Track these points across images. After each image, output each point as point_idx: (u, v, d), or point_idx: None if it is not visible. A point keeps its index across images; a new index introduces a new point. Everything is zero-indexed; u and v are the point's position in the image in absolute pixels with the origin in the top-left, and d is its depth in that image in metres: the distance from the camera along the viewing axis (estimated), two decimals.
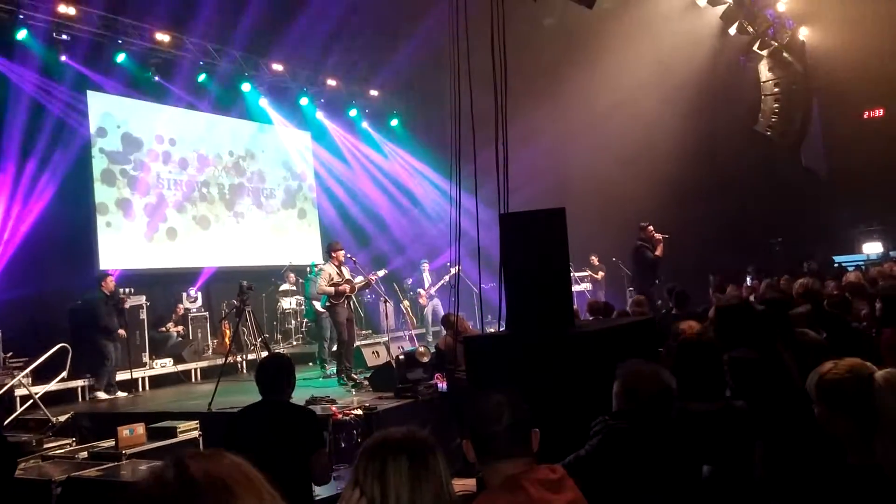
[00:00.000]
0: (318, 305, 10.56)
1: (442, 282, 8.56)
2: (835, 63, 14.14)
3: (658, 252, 10.20)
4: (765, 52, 13.16)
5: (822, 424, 2.08)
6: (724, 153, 14.10)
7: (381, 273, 10.65)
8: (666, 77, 13.53)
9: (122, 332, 9.50)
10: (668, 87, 13.54)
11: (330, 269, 9.29)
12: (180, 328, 11.32)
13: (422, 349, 8.17)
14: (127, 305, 9.82)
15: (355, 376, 8.90)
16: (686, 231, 13.09)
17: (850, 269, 12.65)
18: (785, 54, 12.85)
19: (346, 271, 9.42)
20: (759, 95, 13.14)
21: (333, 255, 9.43)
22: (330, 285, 9.13)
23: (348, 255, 10.33)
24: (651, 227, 10.39)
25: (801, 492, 2.12)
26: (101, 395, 9.15)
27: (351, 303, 9.43)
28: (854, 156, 14.29)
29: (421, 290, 13.33)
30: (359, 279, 9.75)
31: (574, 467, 2.12)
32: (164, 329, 11.14)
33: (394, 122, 17.07)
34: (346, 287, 9.21)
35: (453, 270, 9.85)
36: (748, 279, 11.40)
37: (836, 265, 13.98)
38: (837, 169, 15.10)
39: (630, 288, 13.24)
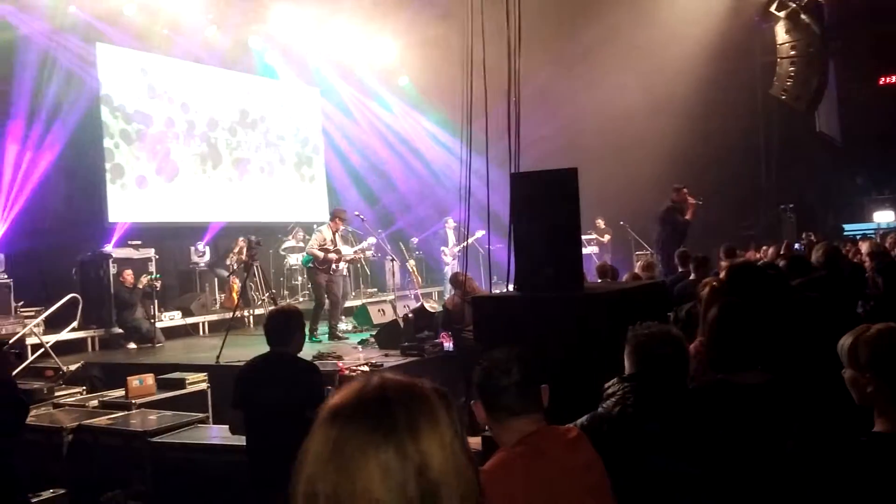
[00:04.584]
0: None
1: (465, 244, 8.56)
2: (853, 27, 13.86)
3: (688, 216, 10.12)
4: (782, 14, 12.87)
5: (851, 389, 2.06)
6: (737, 116, 13.92)
7: (367, 245, 10.74)
8: (681, 37, 13.28)
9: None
10: (682, 47, 13.30)
11: (326, 232, 9.32)
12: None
13: (429, 302, 8.25)
14: (146, 280, 9.68)
15: (339, 334, 9.17)
16: (699, 197, 13.02)
17: (858, 237, 12.60)
18: (803, 16, 12.55)
19: (339, 240, 9.45)
20: (775, 58, 12.89)
21: (332, 221, 9.46)
22: (320, 249, 9.16)
23: (356, 213, 10.34)
24: (686, 190, 10.28)
25: (824, 460, 2.12)
26: (132, 345, 9.40)
27: (331, 270, 9.37)
28: (869, 122, 14.13)
29: (445, 249, 13.15)
30: (347, 251, 9.77)
31: (588, 428, 2.13)
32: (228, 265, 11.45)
33: (403, 80, 16.88)
34: (334, 256, 9.24)
35: (479, 234, 9.92)
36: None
37: (845, 234, 13.93)
38: (851, 135, 14.93)
39: (638, 252, 13.24)
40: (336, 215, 9.60)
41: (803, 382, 2.85)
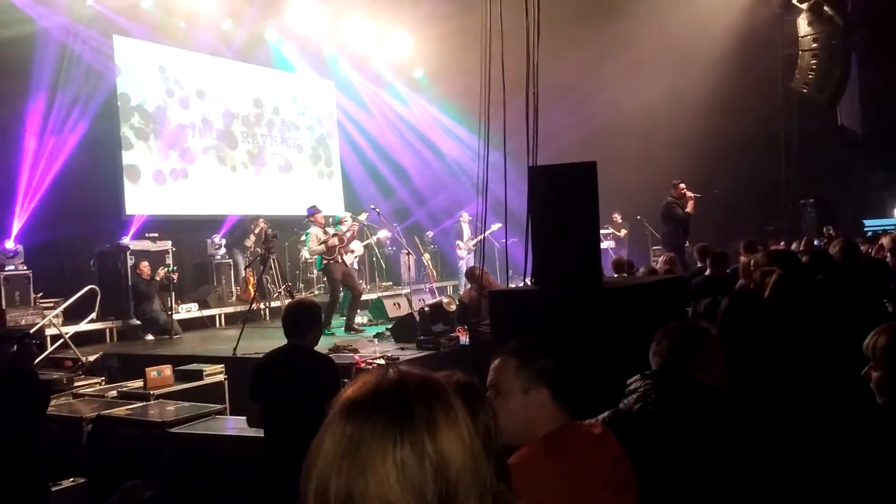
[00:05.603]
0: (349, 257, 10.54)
1: (481, 237, 8.52)
2: (876, 19, 13.63)
3: (689, 209, 10.06)
4: (804, 6, 12.70)
5: (880, 390, 2.01)
6: (758, 110, 13.77)
7: (363, 217, 10.80)
8: (700, 30, 13.14)
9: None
10: (703, 40, 13.16)
11: (315, 230, 9.39)
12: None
13: (447, 299, 8.22)
14: (163, 272, 9.76)
15: (356, 327, 9.24)
16: (714, 190, 12.90)
17: (879, 232, 12.44)
18: (825, 8, 12.36)
19: (330, 230, 9.54)
20: (797, 51, 12.72)
21: (312, 219, 9.54)
22: (320, 245, 9.25)
23: (372, 206, 10.34)
24: (683, 185, 10.24)
25: (849, 458, 2.08)
26: (149, 336, 9.49)
27: (343, 257, 9.48)
28: (891, 116, 13.91)
29: (459, 242, 13.12)
30: (357, 246, 9.81)
31: (609, 424, 2.11)
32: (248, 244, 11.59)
33: (418, 74, 16.85)
34: (335, 240, 9.29)
35: (495, 227, 9.91)
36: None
37: (865, 229, 13.76)
38: (873, 129, 14.72)
39: (655, 247, 13.16)
40: (313, 214, 9.64)
41: (819, 378, 2.82)
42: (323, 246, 9.25)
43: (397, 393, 0.97)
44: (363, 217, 10.89)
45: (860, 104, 14.91)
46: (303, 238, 10.74)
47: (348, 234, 9.70)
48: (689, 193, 10.16)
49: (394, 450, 0.91)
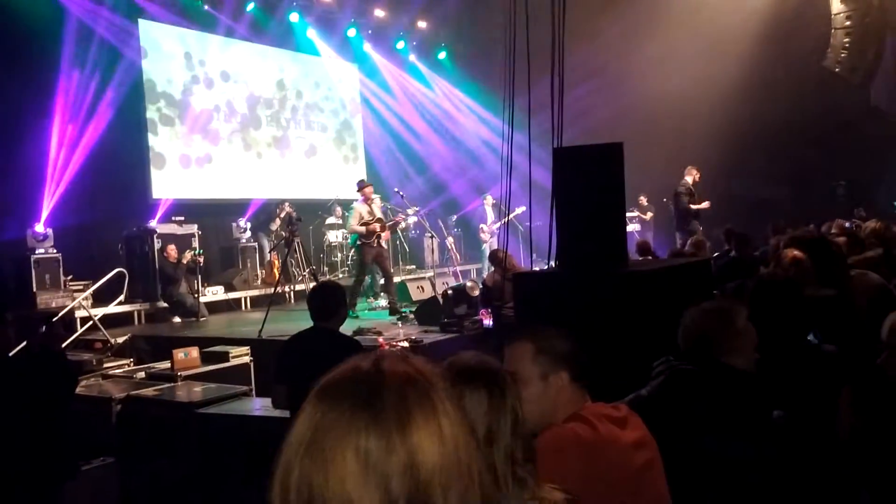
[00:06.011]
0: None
1: (504, 220, 8.43)
2: None
3: (695, 207, 10.01)
4: None
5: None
6: (788, 90, 13.49)
7: (411, 212, 10.70)
8: (730, 9, 12.87)
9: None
10: (733, 19, 12.90)
11: (361, 207, 9.31)
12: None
13: (470, 283, 8.19)
14: (189, 256, 9.83)
15: (400, 308, 9.05)
16: (744, 172, 12.69)
17: None
18: None
19: (376, 209, 9.46)
20: (829, 29, 12.42)
21: (361, 193, 9.47)
22: (361, 224, 9.18)
23: (396, 189, 10.29)
24: (698, 174, 10.14)
25: (884, 443, 2.03)
26: (176, 319, 9.58)
27: (380, 241, 9.40)
28: None
29: (483, 225, 13.08)
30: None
31: (634, 407, 2.08)
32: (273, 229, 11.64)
33: (441, 55, 16.75)
34: (377, 225, 9.23)
35: (519, 210, 9.85)
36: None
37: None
38: None
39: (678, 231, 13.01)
40: (360, 187, 9.59)
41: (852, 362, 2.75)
42: (364, 228, 9.18)
43: (370, 380, 0.90)
44: (412, 211, 10.90)
45: (894, 84, 14.52)
46: (346, 213, 10.69)
47: (389, 224, 9.69)
48: (703, 205, 10.14)
49: (357, 441, 0.84)
